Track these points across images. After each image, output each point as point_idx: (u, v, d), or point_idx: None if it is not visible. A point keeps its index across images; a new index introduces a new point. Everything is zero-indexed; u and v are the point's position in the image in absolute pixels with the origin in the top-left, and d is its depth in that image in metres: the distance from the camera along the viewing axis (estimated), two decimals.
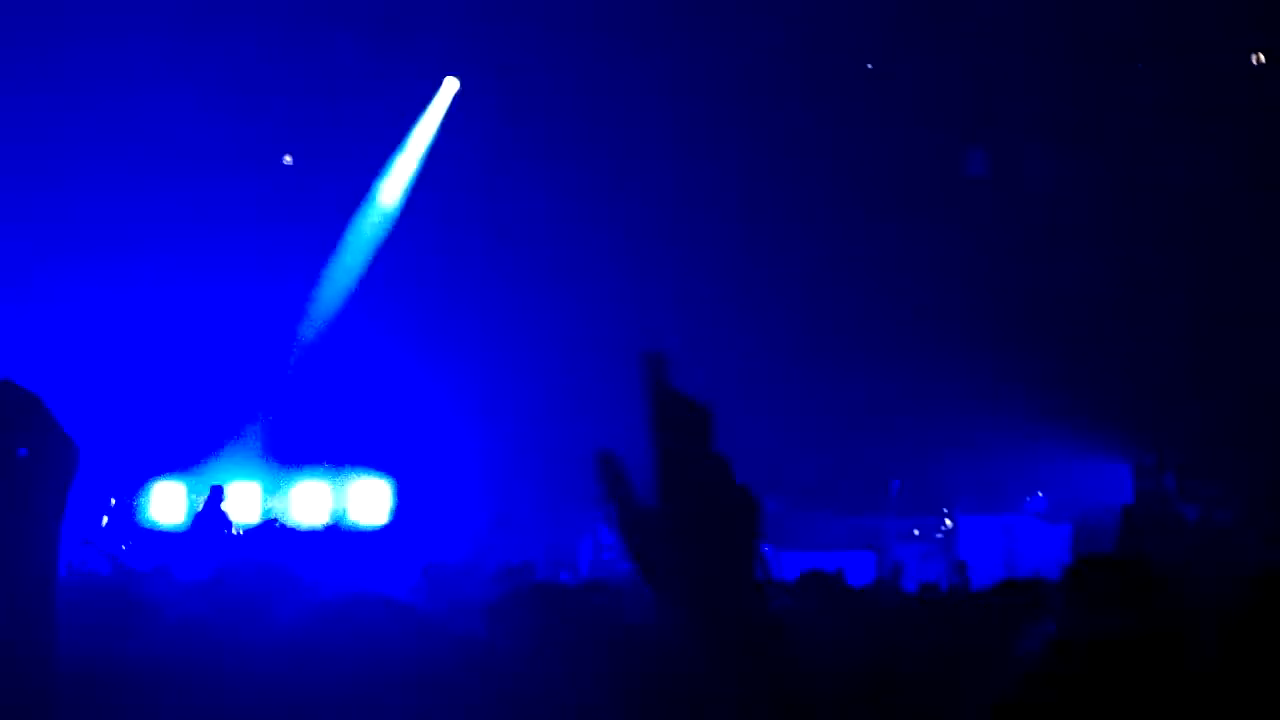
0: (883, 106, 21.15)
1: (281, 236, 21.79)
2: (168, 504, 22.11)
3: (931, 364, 20.90)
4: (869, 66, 21.28)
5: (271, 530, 19.05)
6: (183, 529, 21.42)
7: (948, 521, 19.75)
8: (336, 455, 22.45)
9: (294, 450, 22.38)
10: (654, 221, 21.99)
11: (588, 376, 21.30)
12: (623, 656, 4.56)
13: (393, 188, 22.86)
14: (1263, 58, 19.36)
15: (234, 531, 19.14)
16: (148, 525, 21.33)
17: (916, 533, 20.30)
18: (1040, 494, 20.00)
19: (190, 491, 22.13)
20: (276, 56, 20.43)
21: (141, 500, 21.79)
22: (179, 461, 21.99)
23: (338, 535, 20.25)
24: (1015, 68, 20.41)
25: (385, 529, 21.97)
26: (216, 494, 19.39)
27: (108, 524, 19.21)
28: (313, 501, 22.10)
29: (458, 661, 2.48)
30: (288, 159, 21.94)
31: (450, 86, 22.49)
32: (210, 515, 19.14)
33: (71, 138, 20.68)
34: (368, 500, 22.53)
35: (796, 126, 21.43)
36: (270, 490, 21.60)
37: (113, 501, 19.40)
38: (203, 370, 21.82)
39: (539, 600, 5.28)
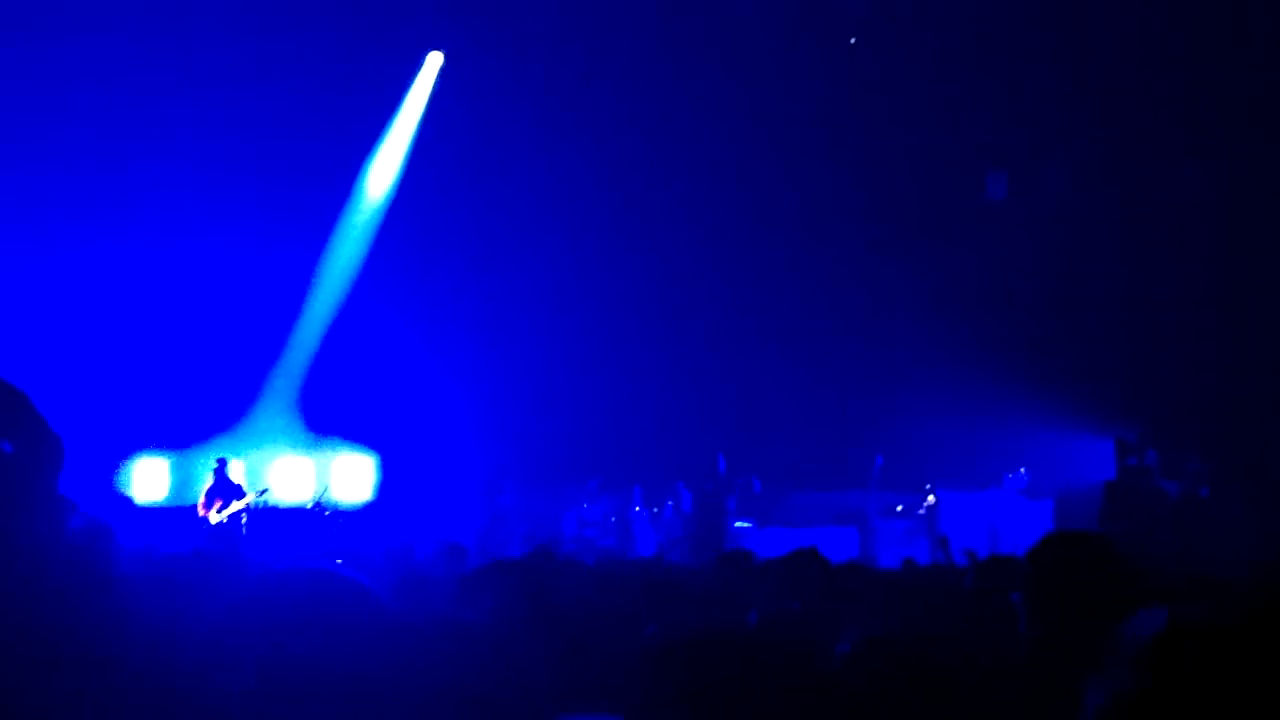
0: (886, 110, 21.17)
1: (273, 215, 21.72)
2: (150, 479, 22.08)
3: (913, 342, 20.94)
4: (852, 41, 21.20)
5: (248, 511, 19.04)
6: (167, 504, 21.41)
7: (930, 498, 19.77)
8: (320, 430, 22.42)
9: (280, 426, 22.35)
10: (646, 202, 22.00)
11: (577, 352, 21.35)
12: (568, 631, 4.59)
13: (383, 165, 22.81)
14: None
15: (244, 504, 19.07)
16: (131, 500, 21.30)
17: (899, 509, 20.34)
18: (1023, 470, 20.02)
19: (173, 468, 22.10)
20: (265, 35, 20.35)
21: (123, 475, 21.76)
22: (163, 438, 21.97)
23: (319, 514, 20.19)
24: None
25: (369, 506, 21.94)
26: (222, 466, 19.31)
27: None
28: (295, 478, 22.03)
29: (401, 640, 2.44)
30: None
31: (434, 61, 22.43)
32: (221, 487, 19.07)
33: (68, 119, 20.61)
34: (351, 476, 22.48)
35: (791, 113, 21.43)
36: (253, 467, 21.53)
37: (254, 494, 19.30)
38: (192, 347, 21.76)
39: (500, 577, 5.34)
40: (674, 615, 5.67)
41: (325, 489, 21.28)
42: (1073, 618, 3.83)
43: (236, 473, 19.72)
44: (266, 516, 19.40)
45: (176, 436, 21.91)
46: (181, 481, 21.91)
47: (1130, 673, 1.90)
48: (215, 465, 19.27)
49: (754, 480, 19.85)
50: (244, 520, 18.81)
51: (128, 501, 20.94)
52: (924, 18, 20.22)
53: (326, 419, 22.39)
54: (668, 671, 2.66)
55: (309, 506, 20.50)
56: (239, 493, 19.02)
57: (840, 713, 2.78)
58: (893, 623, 5.31)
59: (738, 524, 19.47)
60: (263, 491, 19.34)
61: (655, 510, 20.68)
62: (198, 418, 21.82)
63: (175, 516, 20.44)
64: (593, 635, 4.70)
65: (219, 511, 18.75)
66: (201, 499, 19.13)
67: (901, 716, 3.03)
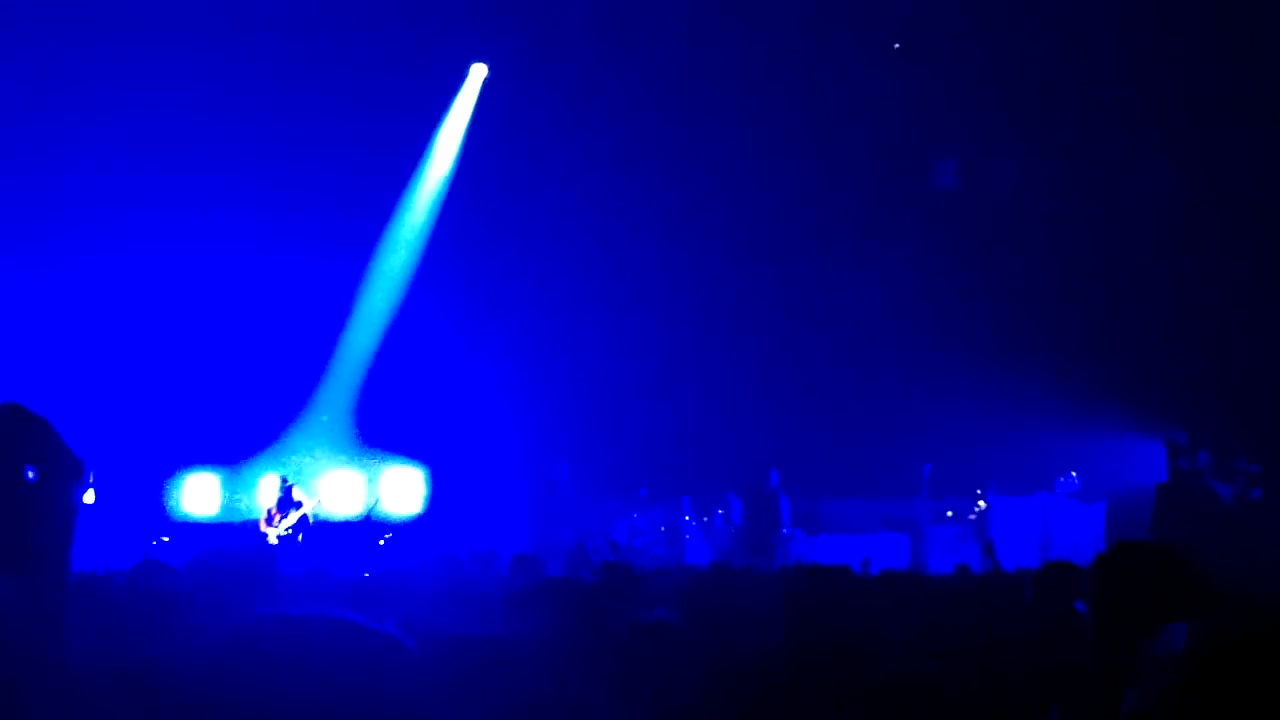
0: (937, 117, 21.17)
1: (321, 228, 21.79)
2: (201, 495, 22.18)
3: (963, 347, 20.84)
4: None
5: (304, 525, 19.15)
6: (218, 520, 21.52)
7: (981, 503, 19.66)
8: (370, 443, 22.47)
9: (330, 440, 22.41)
10: (695, 210, 22.00)
11: (625, 362, 21.35)
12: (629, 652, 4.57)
13: (430, 176, 22.87)
14: None
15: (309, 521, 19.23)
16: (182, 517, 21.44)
17: (950, 515, 20.25)
18: (1074, 474, 19.89)
19: (225, 484, 22.20)
20: (311, 47, 20.48)
21: (173, 491, 21.88)
22: (212, 453, 22.06)
23: (369, 527, 20.26)
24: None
25: (419, 519, 21.98)
26: (287, 486, 19.45)
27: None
28: (345, 491, 22.10)
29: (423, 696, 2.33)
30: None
31: (478, 73, 22.50)
32: (285, 505, 19.20)
33: (119, 133, 20.76)
34: (401, 489, 22.52)
35: (838, 115, 21.44)
36: (303, 482, 21.63)
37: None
38: (242, 361, 21.84)
39: (550, 597, 5.29)
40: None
41: (376, 502, 21.35)
42: (1138, 627, 3.81)
43: (299, 491, 19.78)
44: (318, 529, 19.49)
45: (227, 452, 21.99)
46: (233, 496, 22.02)
47: (1159, 687, 1.87)
48: (281, 483, 19.42)
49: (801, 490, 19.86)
50: (300, 536, 18.93)
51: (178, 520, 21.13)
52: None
53: (376, 432, 22.44)
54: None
55: (359, 519, 20.58)
56: (299, 509, 19.16)
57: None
58: (952, 630, 5.29)
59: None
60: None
61: (705, 520, 20.66)
62: (248, 433, 21.90)
63: (227, 532, 20.57)
64: (649, 650, 4.69)
65: (278, 525, 18.89)
66: (263, 515, 19.28)
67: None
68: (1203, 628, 1.87)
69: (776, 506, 19.11)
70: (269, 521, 19.01)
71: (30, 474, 2.62)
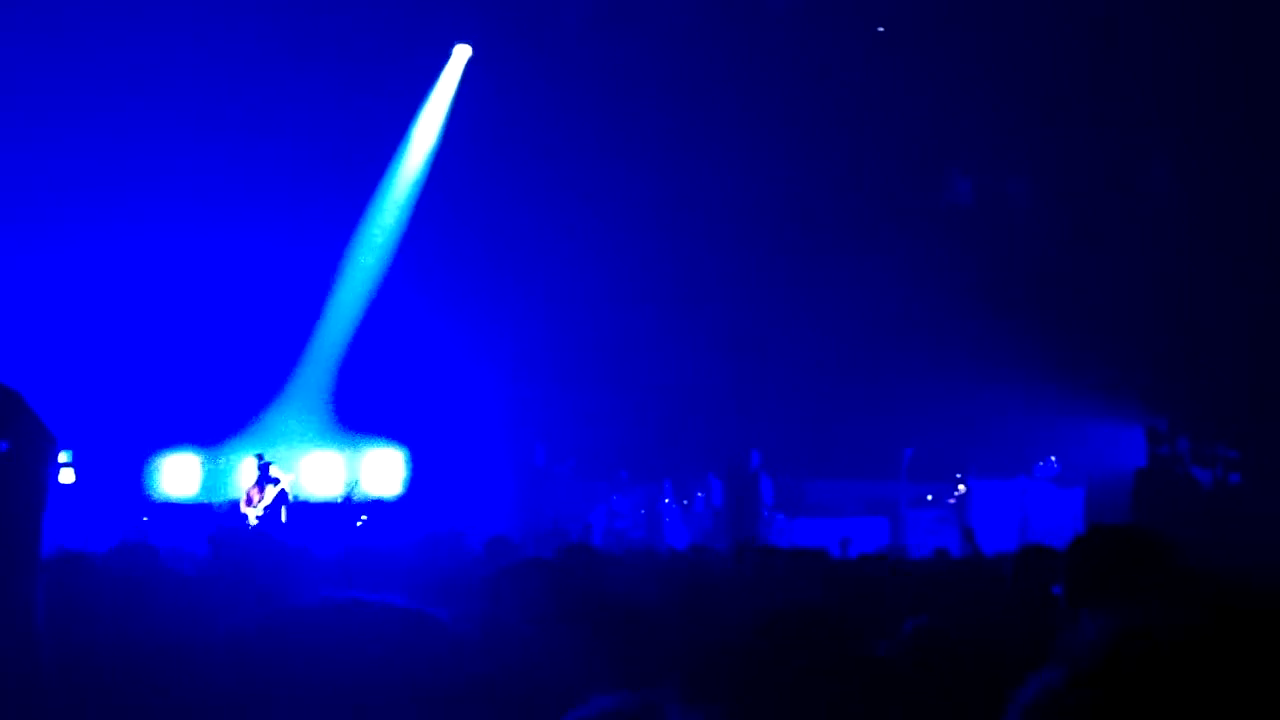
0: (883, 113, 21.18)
1: (301, 208, 21.74)
2: (181, 476, 22.13)
3: (943, 331, 20.88)
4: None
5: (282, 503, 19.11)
6: (198, 500, 21.49)
7: (960, 487, 19.73)
8: (349, 425, 22.44)
9: (309, 421, 22.38)
10: (674, 193, 21.98)
11: (606, 344, 21.35)
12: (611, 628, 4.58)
13: (411, 158, 22.82)
14: None
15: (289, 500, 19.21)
16: (163, 498, 21.41)
17: (930, 498, 20.31)
18: (1053, 459, 19.97)
19: (204, 464, 22.15)
20: (292, 28, 20.41)
21: (153, 472, 21.84)
22: (191, 434, 22.01)
23: (350, 508, 20.25)
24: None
25: (399, 500, 21.97)
26: (264, 463, 19.40)
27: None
28: (325, 473, 22.08)
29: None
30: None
31: (462, 54, 22.43)
32: (263, 484, 19.17)
33: (95, 115, 20.66)
34: (381, 471, 22.50)
35: (823, 102, 21.44)
36: (282, 462, 21.60)
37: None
38: (220, 342, 21.79)
39: (535, 576, 5.30)
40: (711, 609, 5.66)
41: (355, 483, 21.34)
42: (1113, 610, 3.81)
43: (278, 469, 19.71)
44: (298, 510, 19.46)
45: (207, 433, 21.95)
46: (213, 477, 21.98)
47: (1053, 681, 1.78)
48: (258, 462, 19.36)
49: (784, 472, 19.89)
50: (283, 513, 18.90)
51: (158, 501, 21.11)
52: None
53: (356, 414, 22.42)
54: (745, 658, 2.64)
55: (339, 500, 20.57)
56: (279, 488, 19.13)
57: (898, 698, 2.77)
58: (935, 612, 5.29)
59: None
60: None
61: (685, 503, 20.69)
62: (227, 413, 21.86)
63: (207, 513, 20.55)
64: (630, 631, 4.69)
65: (257, 505, 18.86)
66: (243, 496, 19.26)
67: (954, 704, 3.01)
68: (1115, 622, 1.78)
69: (757, 487, 19.11)
70: (249, 502, 18.98)
71: (3, 447, 2.61)
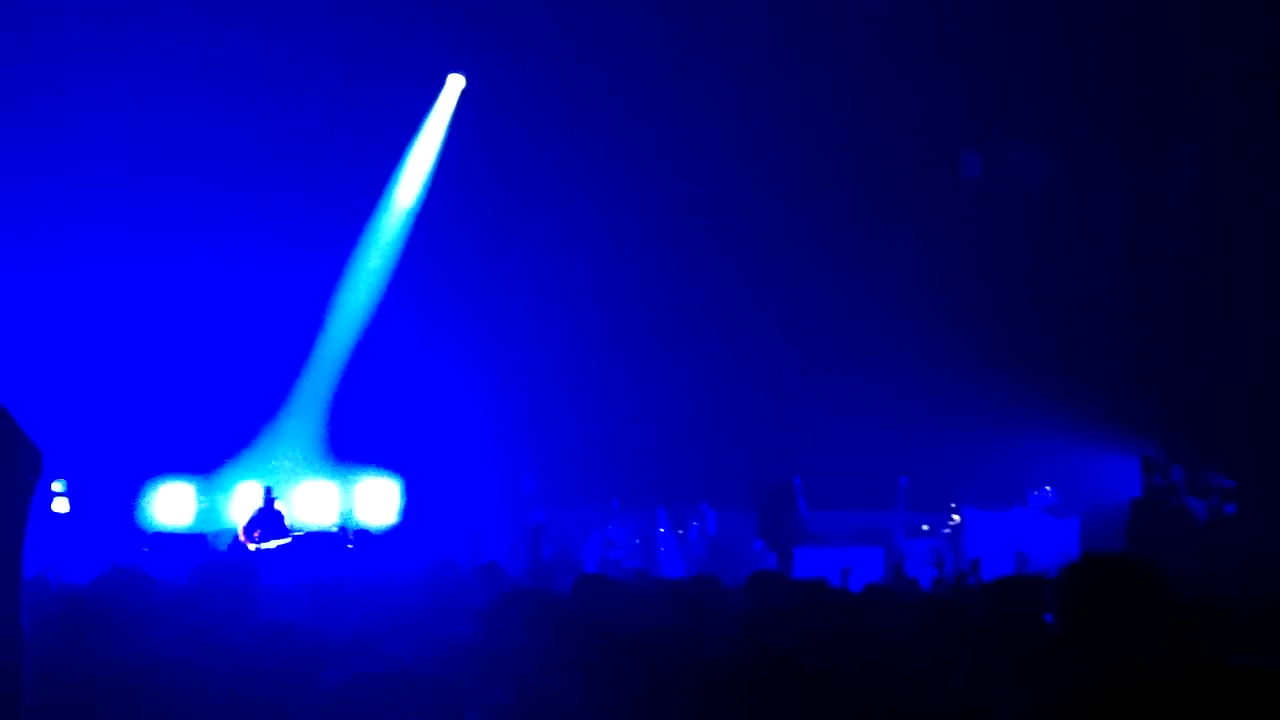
0: (883, 112, 21.19)
1: (295, 237, 21.77)
2: (175, 505, 22.06)
3: (938, 360, 20.91)
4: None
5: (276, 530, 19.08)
6: (192, 530, 21.43)
7: (955, 517, 19.70)
8: (344, 455, 22.41)
9: (304, 451, 22.33)
10: (668, 221, 22.02)
11: (600, 372, 21.36)
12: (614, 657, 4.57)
13: (405, 187, 22.84)
14: None
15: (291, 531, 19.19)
16: (154, 527, 21.34)
17: (925, 528, 20.27)
18: (1048, 488, 19.93)
19: (199, 493, 22.09)
20: (289, 56, 20.47)
21: (145, 501, 21.77)
22: (185, 463, 21.95)
23: (345, 537, 20.21)
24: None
25: (394, 529, 21.93)
26: (269, 495, 19.40)
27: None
28: (320, 502, 22.03)
29: None
30: None
31: (456, 84, 22.50)
32: (266, 516, 19.16)
33: (89, 132, 20.69)
34: (375, 501, 22.46)
35: (820, 125, 21.47)
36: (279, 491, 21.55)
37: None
38: (215, 371, 21.77)
39: (530, 606, 5.29)
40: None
41: (349, 513, 21.31)
42: (1105, 640, 3.82)
43: (282, 504, 19.70)
44: (298, 540, 19.42)
45: (201, 461, 21.90)
46: (207, 506, 21.93)
47: None
48: (264, 494, 19.38)
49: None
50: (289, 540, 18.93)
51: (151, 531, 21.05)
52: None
53: (349, 444, 22.39)
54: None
55: (334, 531, 20.52)
56: (282, 523, 19.13)
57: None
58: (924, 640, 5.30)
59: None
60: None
61: (680, 532, 20.65)
62: (221, 442, 21.82)
63: (201, 543, 20.50)
64: (631, 659, 4.68)
65: (260, 542, 18.81)
66: (242, 526, 19.21)
67: None
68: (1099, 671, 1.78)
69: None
70: (247, 533, 18.94)
71: None
